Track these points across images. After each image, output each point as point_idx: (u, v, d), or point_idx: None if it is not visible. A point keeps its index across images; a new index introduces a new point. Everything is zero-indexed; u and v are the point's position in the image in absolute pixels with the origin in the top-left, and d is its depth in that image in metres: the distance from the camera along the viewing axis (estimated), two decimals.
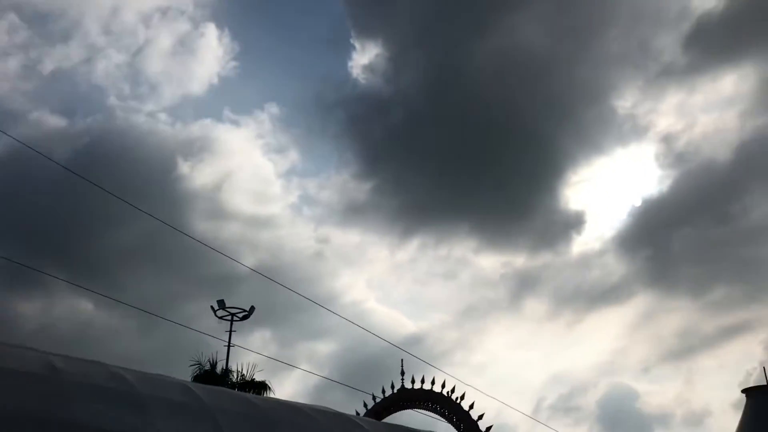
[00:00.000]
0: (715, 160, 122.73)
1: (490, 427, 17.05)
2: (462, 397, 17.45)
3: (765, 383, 10.41)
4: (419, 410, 18.79)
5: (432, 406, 18.04)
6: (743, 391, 10.58)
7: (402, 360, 19.73)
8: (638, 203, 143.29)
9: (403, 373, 19.38)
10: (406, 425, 18.26)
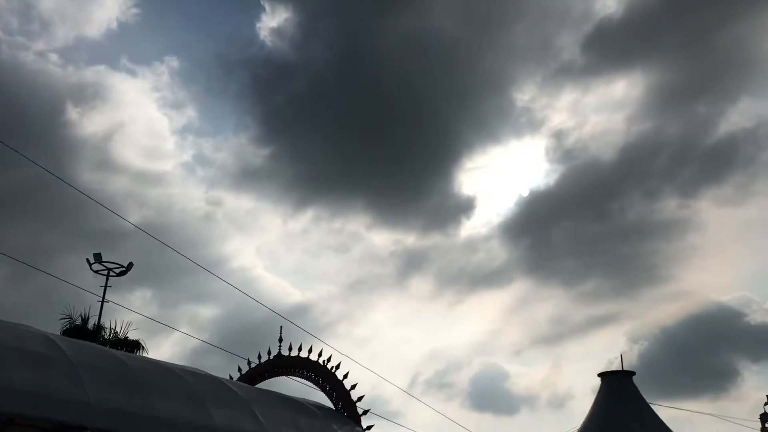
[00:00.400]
0: (600, 160, 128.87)
1: (362, 397, 17.30)
2: (337, 367, 17.60)
3: (620, 369, 11.09)
4: (294, 377, 18.80)
5: (307, 374, 18.10)
6: (599, 375, 11.24)
7: (281, 327, 19.64)
8: (525, 194, 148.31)
9: (281, 340, 19.30)
10: (280, 392, 18.27)
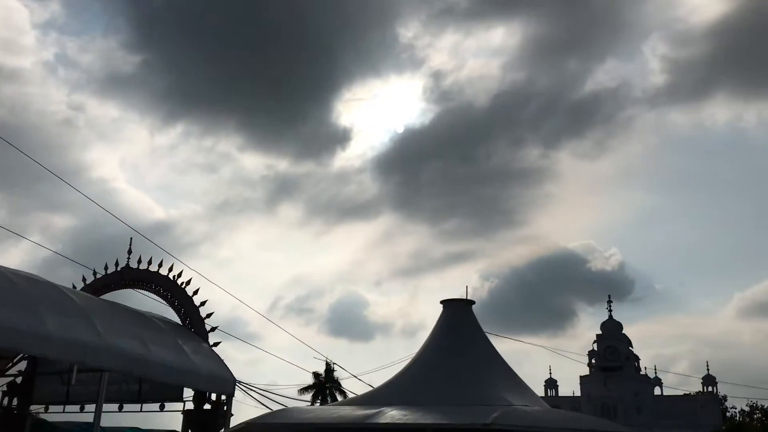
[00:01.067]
0: (473, 104, 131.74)
1: (211, 314, 17.06)
2: (187, 283, 17.19)
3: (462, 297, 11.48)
4: (142, 291, 18.21)
5: (155, 288, 17.57)
6: (441, 302, 11.61)
7: (131, 239, 18.84)
8: (400, 130, 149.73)
9: (130, 252, 18.56)
10: (126, 304, 17.64)
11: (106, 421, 15.43)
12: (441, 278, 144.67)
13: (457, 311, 11.53)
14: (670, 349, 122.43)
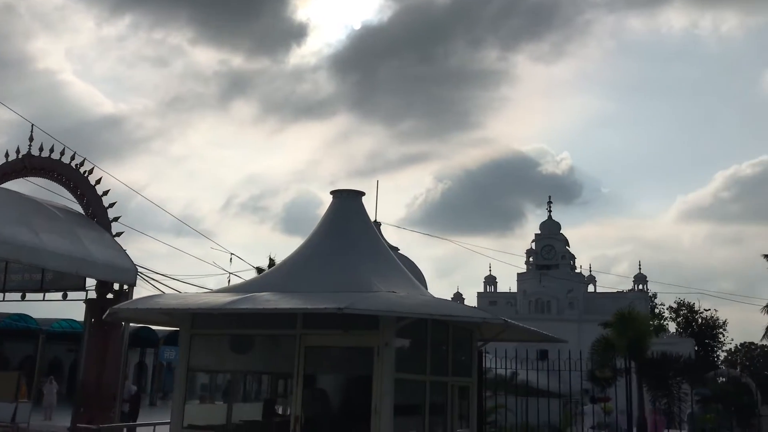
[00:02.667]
0: (433, 1, 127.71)
1: (113, 203, 16.61)
2: (90, 172, 16.61)
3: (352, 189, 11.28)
4: (45, 179, 17.59)
5: (57, 176, 16.98)
6: (331, 192, 11.41)
7: (32, 126, 18.01)
8: (357, 27, 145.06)
9: (31, 140, 17.78)
10: (28, 194, 17.05)
11: (8, 308, 15.27)
12: (396, 179, 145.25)
13: (346, 202, 11.34)
14: (613, 250, 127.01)
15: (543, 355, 20.49)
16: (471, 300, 77.86)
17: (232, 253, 19.71)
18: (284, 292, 9.49)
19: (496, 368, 15.18)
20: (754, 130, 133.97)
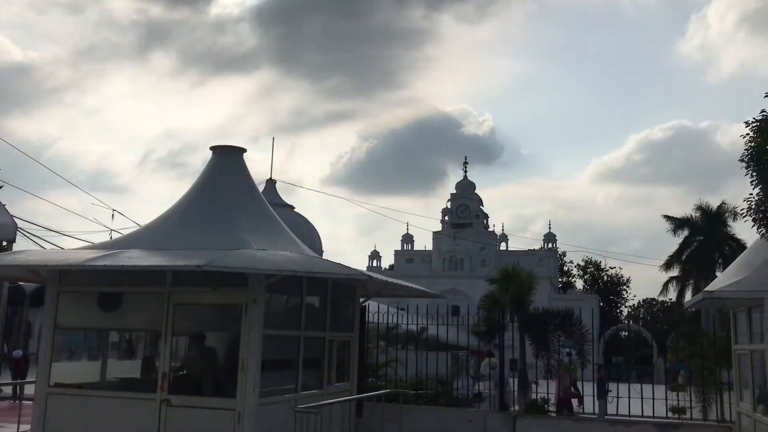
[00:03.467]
0: None
1: None
2: None
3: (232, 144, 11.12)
4: None
5: None
6: (211, 148, 11.21)
7: None
8: None
9: None
10: None
11: None
12: (320, 137, 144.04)
13: (226, 159, 11.20)
14: (530, 210, 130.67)
15: (456, 310, 21.19)
16: (388, 258, 78.99)
17: (114, 210, 19.39)
18: (154, 250, 9.37)
19: (398, 323, 15.51)
20: (666, 96, 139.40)
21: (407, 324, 16.07)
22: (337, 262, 10.68)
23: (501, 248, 76.74)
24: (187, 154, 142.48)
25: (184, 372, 10.23)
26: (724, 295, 8.75)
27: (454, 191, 76.36)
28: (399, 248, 77.75)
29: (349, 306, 12.28)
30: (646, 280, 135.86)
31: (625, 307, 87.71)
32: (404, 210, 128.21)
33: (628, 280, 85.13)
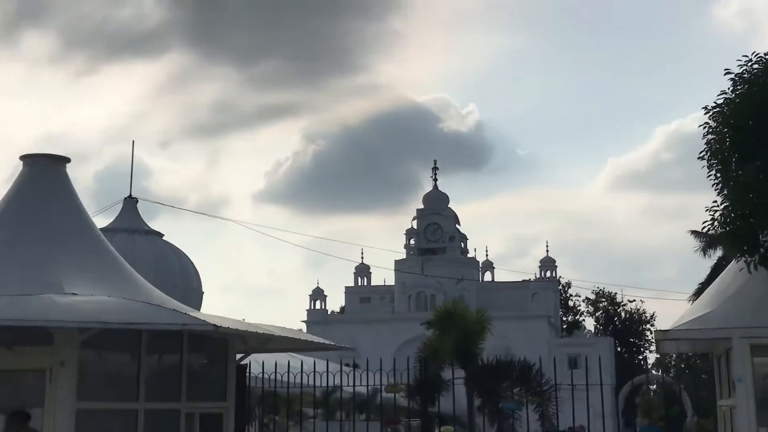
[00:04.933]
0: None
1: None
2: None
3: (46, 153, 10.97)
4: None
5: None
6: (21, 157, 11.03)
7: None
8: None
9: None
10: None
11: None
12: (253, 139, 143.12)
13: (41, 172, 11.01)
14: (530, 229, 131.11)
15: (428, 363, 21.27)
16: (338, 296, 78.75)
17: None
18: None
19: (349, 384, 15.36)
20: (701, 75, 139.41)
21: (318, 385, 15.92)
22: (190, 309, 10.50)
23: (486, 279, 77.23)
24: (74, 166, 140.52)
25: None
26: (680, 336, 8.78)
27: (422, 206, 76.71)
28: (352, 284, 77.73)
29: (220, 366, 12.11)
30: (676, 317, 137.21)
31: (650, 351, 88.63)
32: (365, 233, 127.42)
33: (652, 316, 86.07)
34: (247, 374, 13.05)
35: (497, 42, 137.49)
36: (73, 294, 9.33)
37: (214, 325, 9.09)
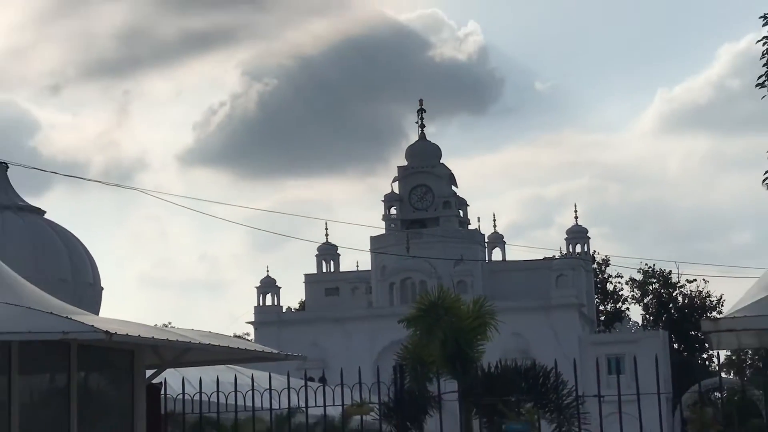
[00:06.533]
0: None
1: None
2: None
3: None
4: None
5: None
6: None
7: None
8: None
9: None
10: None
11: None
12: (175, 78, 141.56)
13: None
14: (554, 189, 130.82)
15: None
16: (295, 288, 78.69)
17: None
18: None
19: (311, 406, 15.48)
20: None
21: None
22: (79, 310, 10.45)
23: (495, 258, 77.42)
24: None
25: None
26: (736, 326, 8.89)
27: (405, 163, 76.60)
28: (314, 271, 77.74)
29: (125, 387, 12.19)
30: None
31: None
32: (331, 202, 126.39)
33: (720, 299, 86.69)
34: (162, 395, 13.14)
35: None
36: None
37: (106, 331, 9.14)
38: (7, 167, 17.81)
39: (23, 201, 18.37)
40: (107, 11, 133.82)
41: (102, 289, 18.56)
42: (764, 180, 8.71)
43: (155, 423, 12.76)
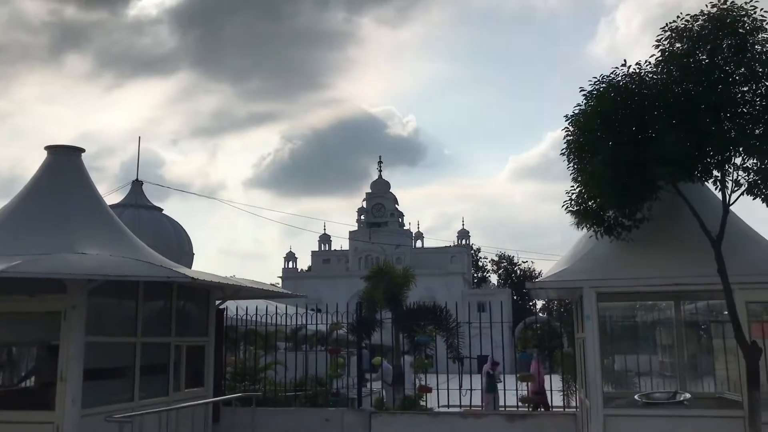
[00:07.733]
0: None
1: None
2: None
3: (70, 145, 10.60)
4: None
5: None
6: (46, 148, 10.64)
7: None
8: None
9: None
10: None
11: None
12: (243, 139, 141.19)
13: (62, 160, 10.66)
14: (453, 208, 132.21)
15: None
16: (306, 258, 78.31)
17: None
18: None
19: (307, 324, 15.16)
20: (579, 95, 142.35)
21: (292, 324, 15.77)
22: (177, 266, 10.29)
23: (418, 246, 77.44)
24: (105, 157, 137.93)
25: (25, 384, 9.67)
26: (545, 285, 8.85)
27: (370, 191, 76.48)
28: (317, 249, 77.36)
29: (203, 309, 11.93)
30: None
31: (539, 300, 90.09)
32: (328, 211, 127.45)
33: (539, 273, 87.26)
34: (224, 316, 12.91)
35: (430, 67, 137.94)
36: (82, 253, 9.07)
37: (192, 277, 8.95)
38: (142, 183, 17.55)
39: (150, 203, 18.06)
40: (206, 99, 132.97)
41: (194, 254, 18.33)
42: (563, 205, 8.60)
43: (220, 332, 12.54)
